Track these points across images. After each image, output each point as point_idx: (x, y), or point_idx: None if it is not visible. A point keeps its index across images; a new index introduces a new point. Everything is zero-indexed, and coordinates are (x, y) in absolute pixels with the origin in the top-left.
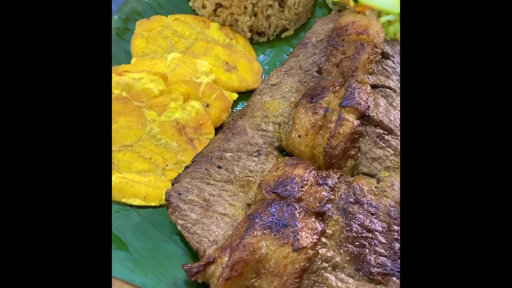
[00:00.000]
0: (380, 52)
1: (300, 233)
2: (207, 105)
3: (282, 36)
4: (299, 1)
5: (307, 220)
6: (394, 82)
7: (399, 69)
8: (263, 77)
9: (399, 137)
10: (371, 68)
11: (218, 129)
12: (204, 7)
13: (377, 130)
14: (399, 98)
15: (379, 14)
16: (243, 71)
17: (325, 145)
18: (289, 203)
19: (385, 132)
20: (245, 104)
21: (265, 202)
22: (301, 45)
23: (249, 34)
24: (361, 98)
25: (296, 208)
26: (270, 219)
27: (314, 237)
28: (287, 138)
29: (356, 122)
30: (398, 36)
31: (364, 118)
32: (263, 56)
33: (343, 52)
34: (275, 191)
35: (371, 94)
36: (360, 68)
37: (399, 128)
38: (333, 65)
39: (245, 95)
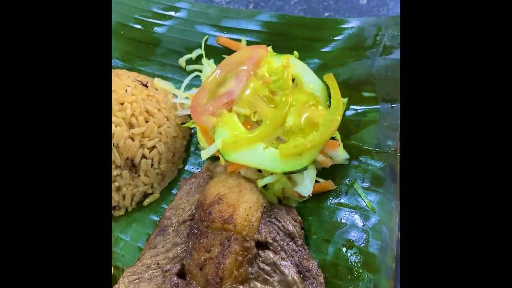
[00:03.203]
0: (253, 245)
1: None
2: None
3: (145, 203)
4: (159, 158)
5: None
6: (276, 287)
7: (282, 259)
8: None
9: None
10: (242, 274)
11: None
12: None
13: None
14: None
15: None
16: None
17: None
18: None
19: None
20: None
21: None
22: (159, 229)
23: None
24: None
25: None
26: None
27: None
28: None
29: None
30: (287, 193)
31: None
32: (121, 235)
33: (206, 248)
34: None
35: None
36: (226, 278)
37: None
38: (196, 266)
39: None
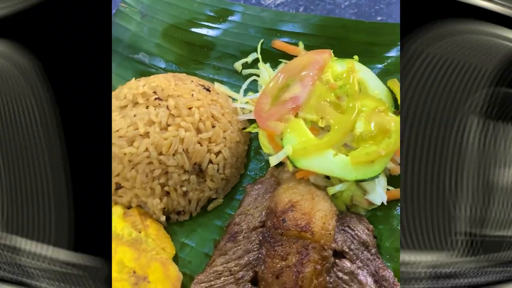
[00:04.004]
0: (331, 254)
1: None
2: None
3: (209, 208)
4: (224, 163)
5: None
6: None
7: (359, 268)
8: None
9: None
10: (321, 284)
11: None
12: None
13: None
14: None
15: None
16: (156, 283)
17: None
18: None
19: None
20: None
21: None
22: (229, 236)
23: (163, 218)
24: None
25: None
26: None
27: None
28: None
29: None
30: (356, 201)
31: None
32: (186, 241)
33: (282, 256)
34: None
35: None
36: (305, 287)
37: None
38: (272, 274)
39: None
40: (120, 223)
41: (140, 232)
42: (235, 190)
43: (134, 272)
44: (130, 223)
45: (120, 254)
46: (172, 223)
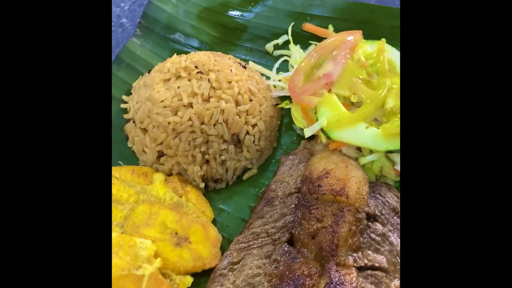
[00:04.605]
0: (365, 216)
1: None
2: None
3: (244, 178)
4: (259, 135)
5: None
6: (387, 256)
7: (390, 231)
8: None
9: None
10: (355, 243)
11: None
12: (144, 152)
13: None
14: (394, 281)
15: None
16: (197, 243)
17: None
18: None
19: None
20: None
21: None
22: (266, 201)
23: (202, 184)
24: None
25: None
26: None
27: None
28: None
29: None
30: (385, 172)
31: None
32: (223, 207)
33: (318, 218)
34: None
35: (358, 287)
36: (341, 246)
37: None
38: (307, 234)
39: (202, 275)
40: (162, 188)
41: (181, 197)
42: (268, 162)
43: (176, 233)
44: (171, 188)
45: (163, 216)
46: (210, 191)
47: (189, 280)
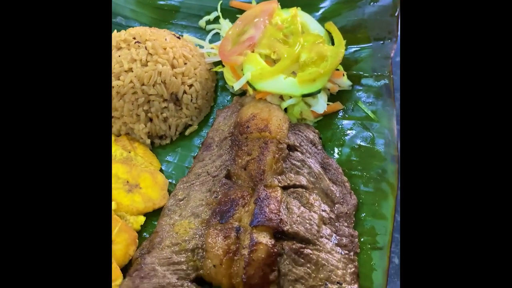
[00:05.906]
0: (286, 147)
1: None
2: None
3: (186, 133)
4: (196, 95)
5: None
6: (306, 176)
7: (308, 158)
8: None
9: (319, 246)
10: (279, 168)
11: (126, 267)
12: None
13: (294, 246)
14: (312, 195)
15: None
16: (147, 188)
17: (242, 275)
18: None
19: (303, 245)
20: (155, 224)
21: None
22: (205, 147)
23: (148, 141)
24: (272, 212)
25: None
26: None
27: None
28: (203, 267)
29: (271, 242)
30: (304, 115)
31: (279, 233)
32: (169, 158)
33: (248, 152)
34: None
35: (282, 201)
36: (267, 171)
37: (316, 235)
38: (240, 167)
39: (153, 214)
40: (113, 146)
41: (130, 152)
42: (207, 118)
43: (128, 181)
44: (120, 146)
45: (115, 169)
46: (156, 147)
47: (142, 219)
